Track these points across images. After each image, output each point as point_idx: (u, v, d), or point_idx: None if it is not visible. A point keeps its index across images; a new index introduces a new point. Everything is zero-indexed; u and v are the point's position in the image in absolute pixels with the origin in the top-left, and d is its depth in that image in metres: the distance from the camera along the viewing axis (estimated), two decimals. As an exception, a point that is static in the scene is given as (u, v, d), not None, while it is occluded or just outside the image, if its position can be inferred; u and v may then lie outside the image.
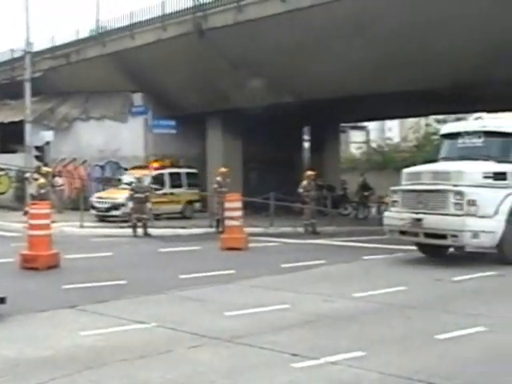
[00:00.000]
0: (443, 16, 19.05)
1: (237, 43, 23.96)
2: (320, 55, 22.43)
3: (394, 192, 14.44)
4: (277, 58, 23.46)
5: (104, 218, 24.12)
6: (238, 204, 16.97)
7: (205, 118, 29.03)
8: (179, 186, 26.61)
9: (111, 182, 26.74)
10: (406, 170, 14.73)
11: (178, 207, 26.05)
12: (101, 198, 24.93)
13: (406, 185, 14.33)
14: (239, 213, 16.78)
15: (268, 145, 30.19)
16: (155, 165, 25.80)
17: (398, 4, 19.76)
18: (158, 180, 24.95)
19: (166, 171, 26.11)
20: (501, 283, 11.46)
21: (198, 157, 29.58)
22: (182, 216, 25.65)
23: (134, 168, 26.70)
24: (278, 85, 24.58)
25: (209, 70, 25.74)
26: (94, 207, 24.79)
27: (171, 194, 25.78)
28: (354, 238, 18.88)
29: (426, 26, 19.65)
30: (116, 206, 24.14)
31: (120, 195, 24.04)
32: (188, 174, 27.43)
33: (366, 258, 14.48)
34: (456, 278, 11.55)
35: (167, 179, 26.02)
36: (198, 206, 27.17)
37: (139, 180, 21.61)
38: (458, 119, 32.22)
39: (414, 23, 19.65)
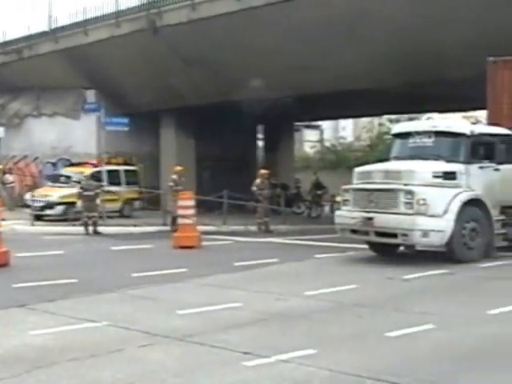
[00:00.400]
0: (391, 16, 19.29)
1: (191, 41, 23.92)
2: (273, 54, 22.52)
3: (346, 191, 14.52)
4: (230, 56, 23.50)
5: (39, 217, 23.07)
6: (191, 202, 16.93)
7: (158, 116, 28.93)
8: (117, 184, 25.59)
9: (60, 180, 26.15)
10: (357, 169, 14.83)
11: (116, 206, 25.11)
12: (35, 196, 23.80)
13: (357, 184, 14.43)
14: (192, 211, 16.76)
15: (222, 143, 30.16)
16: (92, 162, 25.38)
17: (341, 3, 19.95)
18: (95, 178, 23.35)
19: (104, 168, 24.89)
20: (450, 281, 11.61)
21: (152, 155, 29.49)
22: (120, 215, 24.87)
23: (70, 165, 26.34)
24: (231, 83, 24.59)
25: (163, 68, 25.67)
26: (28, 206, 23.89)
27: (109, 191, 24.12)
28: (306, 237, 18.97)
29: (375, 25, 19.86)
30: (50, 205, 23.58)
31: (54, 193, 23.62)
32: (127, 171, 26.58)
33: (318, 256, 14.56)
34: (407, 277, 11.67)
35: (104, 177, 24.56)
36: (137, 204, 26.53)
37: (88, 177, 21.39)
38: (411, 119, 32.66)
39: (363, 23, 19.85)
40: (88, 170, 24.41)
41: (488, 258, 13.49)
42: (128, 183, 26.26)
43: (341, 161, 44.05)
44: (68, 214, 23.24)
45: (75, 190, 22.14)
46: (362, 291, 10.49)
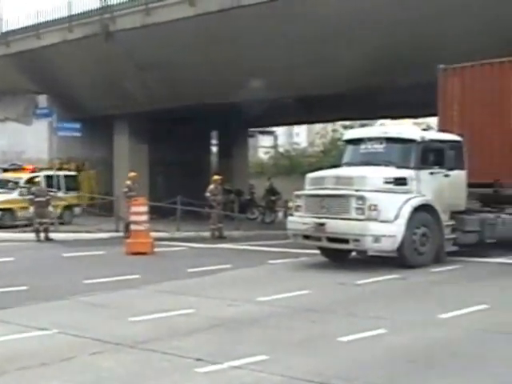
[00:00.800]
0: (348, 21, 19.46)
1: (145, 46, 23.83)
2: (225, 59, 22.53)
3: (298, 197, 14.55)
4: (185, 62, 23.44)
5: None
6: (144, 208, 16.84)
7: (112, 121, 28.70)
8: (57, 190, 24.38)
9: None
10: (309, 175, 14.86)
11: (55, 212, 23.49)
12: None
13: (309, 189, 14.46)
14: (145, 217, 16.66)
15: (176, 148, 30.03)
16: (30, 167, 24.91)
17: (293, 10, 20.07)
18: (33, 183, 22.06)
19: (42, 174, 24.11)
20: (402, 286, 11.72)
21: (105, 160, 29.23)
22: (60, 222, 23.56)
23: (5, 170, 25.90)
24: (186, 88, 24.54)
25: (116, 73, 25.51)
26: None
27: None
28: (260, 243, 18.96)
29: (324, 31, 20.03)
30: None
31: None
32: (66, 176, 25.78)
33: (271, 262, 14.59)
34: (359, 282, 11.75)
35: (43, 182, 23.19)
36: (77, 210, 25.80)
37: (39, 183, 21.09)
38: (364, 125, 32.89)
39: (315, 28, 19.99)
40: (25, 176, 23.94)
41: (438, 263, 13.64)
42: (68, 189, 25.50)
43: (295, 167, 44.21)
44: (4, 220, 22.80)
45: (12, 195, 21.69)
46: (315, 296, 10.53)
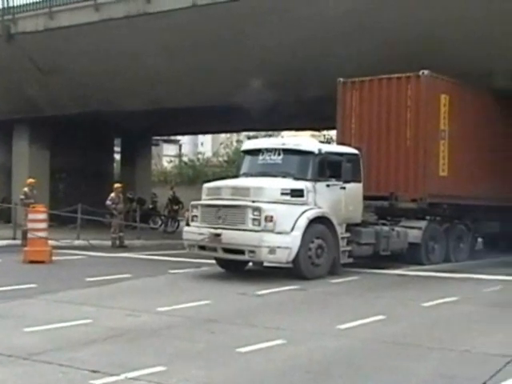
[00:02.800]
0: (253, 35, 19.62)
1: (48, 49, 23.36)
2: (129, 66, 22.36)
3: (194, 207, 14.44)
4: (88, 67, 23.09)
5: None
6: (43, 216, 16.46)
7: (12, 126, 27.97)
8: None
9: None
10: (206, 185, 14.78)
11: None
12: None
13: (206, 200, 14.37)
14: (44, 225, 16.28)
15: (78, 155, 29.53)
16: None
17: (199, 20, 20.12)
18: None
19: None
20: (302, 297, 11.82)
21: (3, 166, 28.44)
22: None
23: None
24: (89, 94, 24.19)
25: (17, 76, 24.89)
26: None
27: None
28: (161, 252, 18.83)
29: (212, 45, 20.21)
30: None
31: None
32: None
33: (172, 271, 14.48)
34: (260, 292, 11.80)
35: None
36: None
37: None
38: (269, 136, 33.18)
39: (210, 38, 20.12)
40: None
41: (334, 275, 13.82)
42: None
43: (198, 176, 44.11)
44: None
45: None
46: (215, 307, 10.50)
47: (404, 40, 17.81)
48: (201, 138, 68.69)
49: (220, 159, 50.46)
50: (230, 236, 13.38)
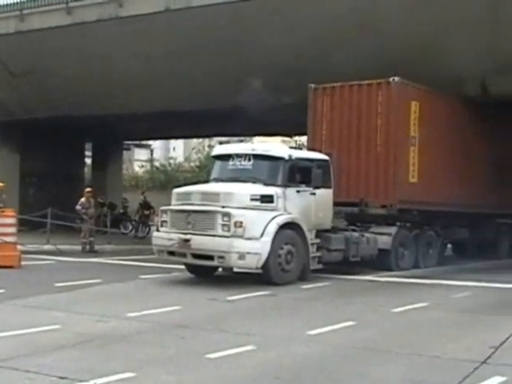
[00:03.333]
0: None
1: (19, 52, 23.16)
2: (101, 70, 22.28)
3: (164, 212, 14.34)
4: (58, 71, 22.95)
5: None
6: (12, 220, 16.28)
7: (-20, 129, 27.69)
8: None
9: None
10: (175, 190, 14.68)
11: None
12: None
13: (175, 205, 14.28)
14: (13, 229, 16.12)
15: (49, 159, 29.31)
16: None
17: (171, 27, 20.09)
18: None
19: None
20: (272, 302, 11.82)
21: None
22: None
23: None
24: (60, 98, 24.03)
25: (-14, 79, 24.65)
26: None
27: None
28: (132, 257, 18.72)
29: (184, 50, 20.18)
30: None
31: None
32: None
33: (142, 277, 14.40)
34: (230, 298, 11.78)
35: None
36: None
37: None
38: (242, 141, 33.17)
39: (196, 44, 20.09)
40: None
41: (304, 281, 13.80)
42: None
43: (170, 181, 43.99)
44: None
45: None
46: (186, 312, 10.46)
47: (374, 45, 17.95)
48: (173, 142, 68.49)
49: (192, 164, 50.40)
50: (200, 242, 13.30)
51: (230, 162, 14.79)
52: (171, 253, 14.03)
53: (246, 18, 19.14)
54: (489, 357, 7.75)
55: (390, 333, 9.39)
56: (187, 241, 13.42)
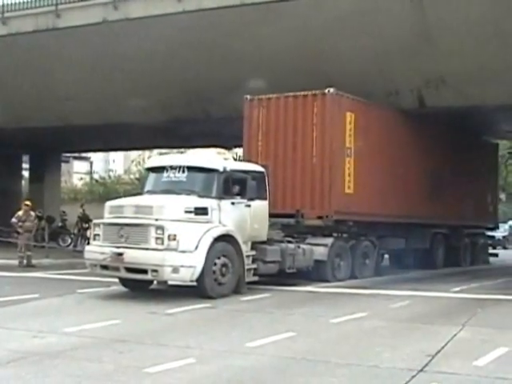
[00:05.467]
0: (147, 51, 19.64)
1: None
2: (38, 82, 22.01)
3: (96, 225, 14.11)
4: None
5: None
6: None
7: None
8: None
9: None
10: (108, 203, 14.49)
11: None
12: None
13: (108, 218, 14.08)
14: None
15: (-16, 172, 28.84)
16: None
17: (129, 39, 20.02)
18: None
19: None
20: (212, 315, 11.80)
21: None
22: None
23: None
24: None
25: None
26: None
27: None
28: (70, 271, 18.45)
29: (121, 63, 20.17)
30: None
31: None
32: None
33: (80, 291, 14.19)
34: (170, 311, 11.70)
35: None
36: None
37: None
38: (182, 153, 33.09)
39: (138, 56, 20.02)
40: None
41: (239, 294, 13.76)
42: None
43: (110, 193, 43.55)
44: None
45: None
46: (124, 326, 10.36)
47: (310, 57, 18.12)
48: (112, 155, 67.79)
49: (131, 176, 50.05)
50: (133, 255, 13.10)
51: (164, 174, 14.61)
52: (104, 267, 13.79)
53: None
54: (426, 365, 7.88)
55: (330, 343, 9.45)
56: (120, 254, 13.20)
